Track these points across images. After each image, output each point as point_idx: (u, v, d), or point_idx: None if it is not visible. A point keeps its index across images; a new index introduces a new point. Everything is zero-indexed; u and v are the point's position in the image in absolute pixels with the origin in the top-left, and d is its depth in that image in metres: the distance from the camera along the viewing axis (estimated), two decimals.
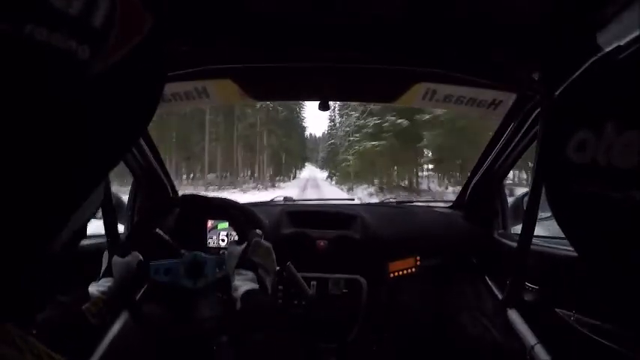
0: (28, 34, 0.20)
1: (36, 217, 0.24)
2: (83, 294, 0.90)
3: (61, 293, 0.84)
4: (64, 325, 0.82)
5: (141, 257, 0.97)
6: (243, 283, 0.82)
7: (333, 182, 30.98)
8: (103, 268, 0.97)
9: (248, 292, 0.79)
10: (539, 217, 1.00)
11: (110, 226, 1.17)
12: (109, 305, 0.87)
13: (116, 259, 0.94)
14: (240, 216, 1.10)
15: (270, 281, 0.87)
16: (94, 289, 0.88)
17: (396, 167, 21.15)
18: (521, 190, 1.57)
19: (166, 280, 0.97)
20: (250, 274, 0.85)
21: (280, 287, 1.39)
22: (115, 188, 1.36)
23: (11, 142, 0.21)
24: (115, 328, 1.09)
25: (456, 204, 1.73)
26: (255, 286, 0.82)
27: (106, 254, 0.99)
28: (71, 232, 0.41)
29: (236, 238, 1.46)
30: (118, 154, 0.30)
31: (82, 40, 0.22)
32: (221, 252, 1.47)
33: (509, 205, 1.50)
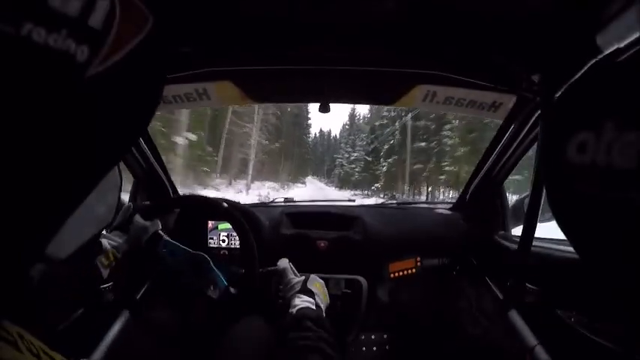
0: (26, 35, 0.20)
1: (34, 215, 0.25)
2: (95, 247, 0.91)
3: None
4: (62, 325, 0.83)
5: (160, 227, 0.99)
6: (301, 303, 0.88)
7: None
8: (119, 220, 0.97)
9: (305, 308, 0.86)
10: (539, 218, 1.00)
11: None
12: (119, 261, 0.90)
13: (138, 219, 0.96)
14: (240, 217, 1.10)
15: (323, 308, 0.93)
16: (106, 242, 0.90)
17: None
18: None
19: (169, 260, 0.97)
20: (308, 298, 0.91)
21: (280, 287, 1.39)
22: None
23: (9, 141, 0.21)
24: (115, 328, 1.09)
25: (457, 205, 1.73)
26: (313, 306, 0.88)
27: (127, 207, 0.99)
28: (79, 243, 0.41)
29: (237, 239, 1.47)
30: (117, 154, 0.30)
31: (80, 40, 0.22)
32: (222, 252, 1.48)
33: (510, 206, 1.50)
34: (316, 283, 0.98)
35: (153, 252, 0.98)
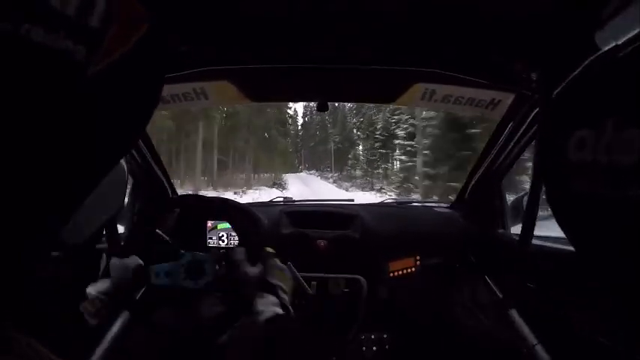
0: (24, 34, 0.20)
1: (34, 215, 0.24)
2: (80, 294, 0.90)
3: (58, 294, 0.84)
4: (62, 326, 0.82)
5: (140, 261, 0.96)
6: (266, 308, 0.80)
7: None
8: (102, 269, 0.96)
9: (273, 318, 0.77)
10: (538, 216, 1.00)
11: (110, 227, 1.16)
12: (107, 306, 0.87)
13: (114, 260, 0.93)
14: (240, 216, 1.10)
15: (289, 301, 0.87)
16: (91, 289, 0.87)
17: None
18: None
19: (167, 282, 0.97)
20: (272, 298, 0.83)
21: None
22: None
23: (8, 140, 0.21)
24: (115, 328, 1.09)
25: (456, 204, 1.73)
26: (279, 310, 0.80)
27: (104, 256, 0.99)
28: (92, 230, 0.42)
29: (236, 239, 1.47)
30: (118, 154, 0.30)
31: (78, 40, 0.22)
32: (221, 250, 1.47)
33: (508, 204, 1.50)
34: (276, 271, 0.89)
35: (146, 284, 0.97)
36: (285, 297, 0.86)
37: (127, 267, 0.93)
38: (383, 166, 26.29)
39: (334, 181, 32.10)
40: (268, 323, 0.75)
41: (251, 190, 20.81)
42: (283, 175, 31.65)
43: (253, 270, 0.91)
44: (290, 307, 0.85)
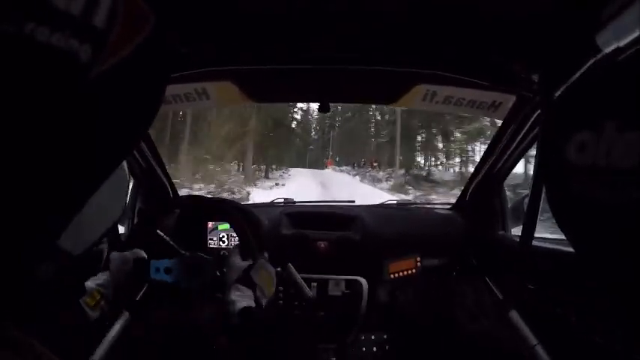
0: (28, 35, 0.19)
1: (34, 215, 0.24)
2: (81, 294, 0.89)
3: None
4: (62, 320, 0.82)
5: (142, 254, 0.96)
6: (240, 299, 0.82)
7: None
8: (102, 263, 0.96)
9: (246, 309, 0.80)
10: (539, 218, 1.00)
11: (111, 230, 1.16)
12: (107, 298, 0.86)
13: (114, 254, 0.92)
14: (240, 217, 1.10)
15: (265, 304, 0.87)
16: (90, 283, 0.86)
17: None
18: None
19: (167, 278, 0.96)
20: (249, 292, 0.84)
21: (281, 288, 1.39)
22: None
23: (11, 142, 0.21)
24: (115, 328, 1.09)
25: (457, 205, 1.73)
26: (252, 303, 0.82)
27: (105, 250, 0.98)
28: (94, 239, 0.42)
29: (237, 240, 1.47)
30: (120, 156, 0.30)
31: (83, 39, 0.21)
32: (222, 252, 1.48)
33: (509, 206, 1.50)
34: (262, 271, 0.89)
35: (145, 278, 0.96)
36: (263, 298, 0.86)
37: (126, 260, 0.93)
38: None
39: (394, 188, 13.89)
40: (242, 312, 0.78)
41: None
42: (290, 170, 19.87)
43: (241, 262, 0.92)
44: (264, 304, 0.85)
